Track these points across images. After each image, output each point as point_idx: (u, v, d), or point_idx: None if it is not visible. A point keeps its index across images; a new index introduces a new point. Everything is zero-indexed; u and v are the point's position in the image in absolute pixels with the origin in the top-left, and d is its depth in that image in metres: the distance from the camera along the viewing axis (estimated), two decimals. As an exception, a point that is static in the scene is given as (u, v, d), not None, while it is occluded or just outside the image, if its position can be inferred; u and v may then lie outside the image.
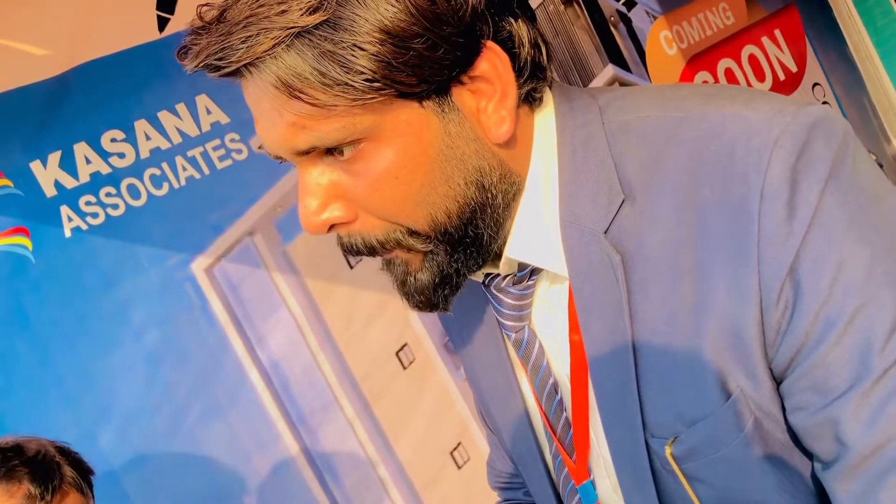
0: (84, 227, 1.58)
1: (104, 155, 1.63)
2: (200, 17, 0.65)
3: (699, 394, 0.68)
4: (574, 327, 0.74)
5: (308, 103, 0.63)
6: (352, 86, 0.62)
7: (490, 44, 0.66)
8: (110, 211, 1.61)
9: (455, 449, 1.93)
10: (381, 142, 0.66)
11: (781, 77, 2.90)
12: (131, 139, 1.66)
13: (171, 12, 1.71)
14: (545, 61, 0.72)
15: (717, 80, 2.72)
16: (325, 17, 0.61)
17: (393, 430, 1.86)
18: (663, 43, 2.66)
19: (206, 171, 1.74)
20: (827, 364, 0.63)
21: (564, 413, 0.80)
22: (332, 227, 0.70)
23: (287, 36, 0.62)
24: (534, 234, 0.73)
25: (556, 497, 0.87)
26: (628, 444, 0.73)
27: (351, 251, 0.72)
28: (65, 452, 1.21)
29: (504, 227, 0.73)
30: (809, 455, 0.70)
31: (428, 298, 0.73)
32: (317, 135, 0.65)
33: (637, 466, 0.73)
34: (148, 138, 1.68)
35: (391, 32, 0.62)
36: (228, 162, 1.76)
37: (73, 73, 1.59)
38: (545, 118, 0.74)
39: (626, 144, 0.70)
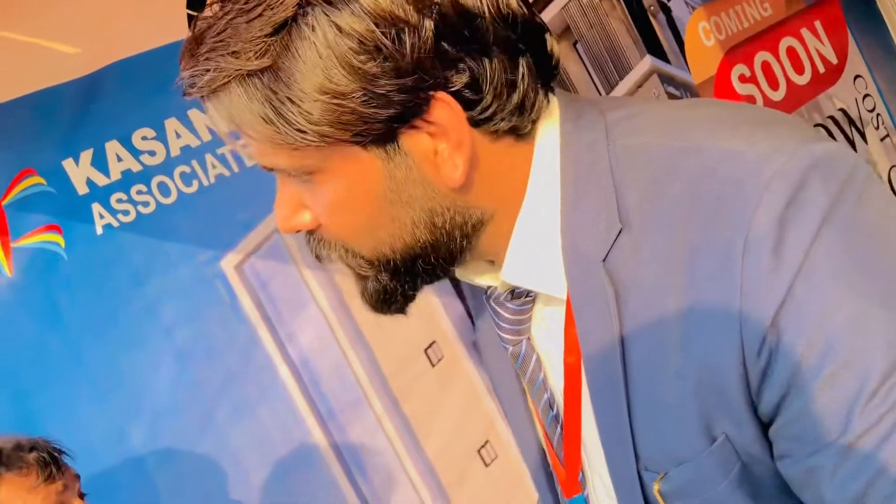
0: (115, 224, 1.59)
1: (135, 153, 1.64)
2: (192, 30, 0.67)
3: (684, 435, 0.67)
4: (570, 349, 0.73)
5: (254, 139, 0.66)
6: (288, 134, 0.64)
7: (440, 94, 0.64)
8: (141, 208, 1.63)
9: (483, 447, 1.92)
10: (330, 174, 0.67)
11: (821, 69, 2.84)
12: (162, 137, 1.67)
13: (202, 10, 1.72)
14: (532, 98, 0.68)
15: (753, 74, 2.67)
16: (268, 64, 0.62)
17: (421, 428, 1.86)
18: (701, 34, 2.61)
19: (236, 168, 1.75)
20: (808, 415, 0.61)
21: (559, 429, 0.80)
22: (299, 230, 0.73)
23: (237, 76, 0.63)
24: (532, 257, 0.72)
25: None
26: (625, 473, 0.73)
27: (312, 252, 0.75)
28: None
29: (473, 250, 0.72)
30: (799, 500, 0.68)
31: (374, 307, 0.75)
32: (272, 161, 0.68)
33: (633, 495, 0.73)
34: (178, 136, 1.69)
35: (327, 91, 0.62)
36: (258, 159, 1.76)
37: (104, 72, 1.61)
38: (548, 133, 0.71)
39: (627, 170, 0.67)
